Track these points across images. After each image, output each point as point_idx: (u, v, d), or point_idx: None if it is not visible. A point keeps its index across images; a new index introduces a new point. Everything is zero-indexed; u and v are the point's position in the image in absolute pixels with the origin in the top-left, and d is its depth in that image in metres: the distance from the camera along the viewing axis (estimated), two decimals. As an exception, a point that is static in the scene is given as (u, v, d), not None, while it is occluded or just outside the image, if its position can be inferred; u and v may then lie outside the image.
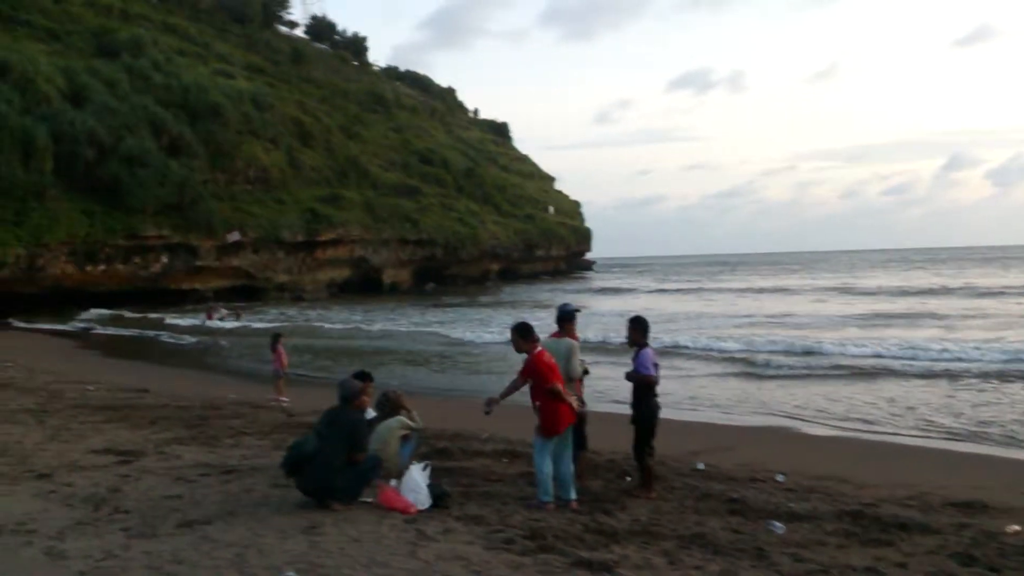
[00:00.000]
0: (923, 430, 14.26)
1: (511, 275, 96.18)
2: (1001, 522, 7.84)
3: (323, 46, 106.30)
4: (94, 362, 25.96)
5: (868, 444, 13.24)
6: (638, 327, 8.67)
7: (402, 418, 8.59)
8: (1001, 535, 7.35)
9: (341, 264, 69.65)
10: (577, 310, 9.32)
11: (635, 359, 8.61)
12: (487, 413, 7.81)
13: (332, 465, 6.96)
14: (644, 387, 8.56)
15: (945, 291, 52.79)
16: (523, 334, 7.89)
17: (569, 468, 7.87)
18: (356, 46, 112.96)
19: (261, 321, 41.51)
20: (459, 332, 32.81)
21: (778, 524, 7.37)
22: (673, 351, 23.99)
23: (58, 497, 7.77)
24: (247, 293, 60.59)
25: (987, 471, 10.83)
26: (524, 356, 7.95)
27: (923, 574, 6.03)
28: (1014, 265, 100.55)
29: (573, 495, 7.83)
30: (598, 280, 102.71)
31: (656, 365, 8.64)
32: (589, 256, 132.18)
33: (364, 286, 71.83)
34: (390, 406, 8.77)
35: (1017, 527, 7.64)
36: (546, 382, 7.73)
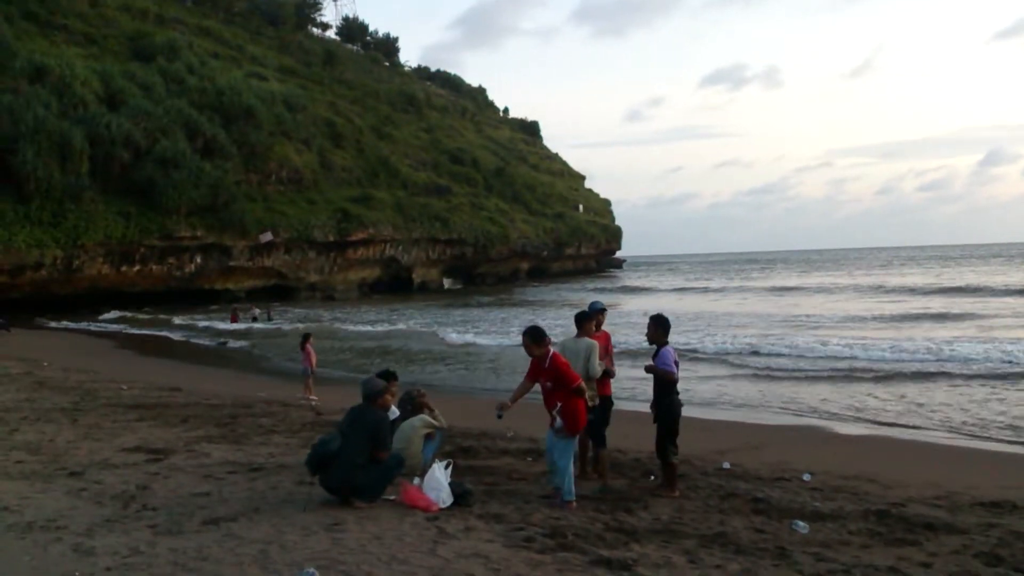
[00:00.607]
0: (952, 429, 14.10)
1: (541, 273, 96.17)
2: (1030, 522, 7.73)
3: (355, 47, 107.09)
4: (129, 361, 26.36)
5: (898, 443, 13.09)
6: (659, 326, 8.65)
7: (426, 417, 8.66)
8: (1029, 536, 7.25)
9: (372, 264, 70.06)
10: (603, 309, 9.31)
11: (655, 358, 8.61)
12: (499, 417, 7.86)
13: (355, 463, 7.02)
14: (665, 384, 8.55)
15: (972, 290, 51.64)
16: (535, 338, 7.90)
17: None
18: (387, 47, 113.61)
19: (290, 321, 41.95)
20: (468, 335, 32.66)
21: (802, 524, 7.33)
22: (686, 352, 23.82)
23: (88, 495, 7.90)
24: (279, 293, 61.18)
25: (1014, 470, 10.68)
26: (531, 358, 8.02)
27: (947, 574, 5.96)
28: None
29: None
30: (624, 278, 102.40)
31: (676, 363, 8.63)
32: (619, 254, 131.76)
33: (394, 285, 72.22)
34: (413, 405, 8.84)
35: (1046, 527, 7.53)
36: (572, 381, 7.78)
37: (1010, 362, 19.61)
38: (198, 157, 53.65)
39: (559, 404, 7.70)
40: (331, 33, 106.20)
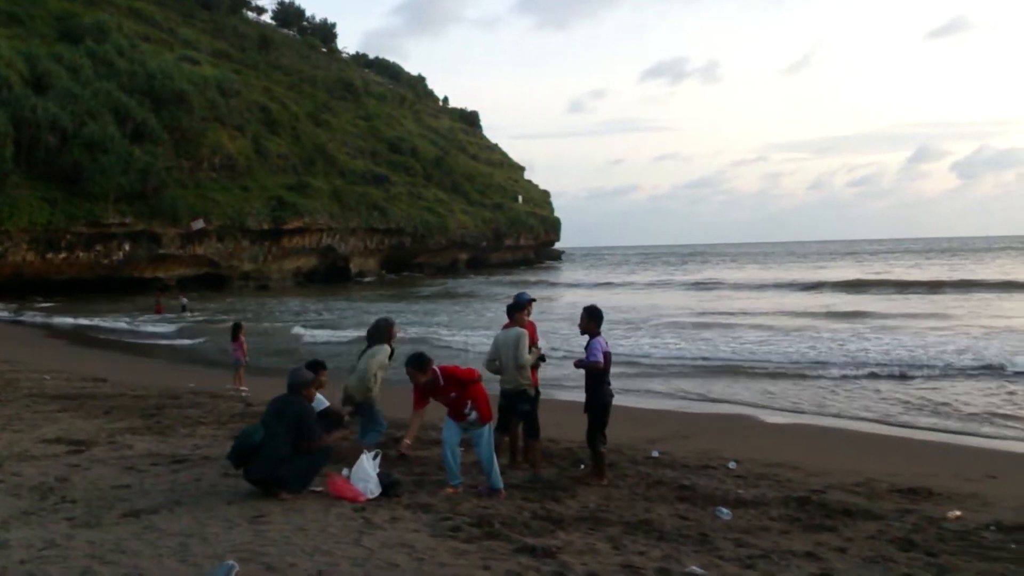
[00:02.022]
0: (878, 418, 14.54)
1: (479, 264, 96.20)
2: (944, 508, 8.01)
3: (291, 32, 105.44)
4: (58, 351, 25.62)
5: (823, 431, 13.44)
6: (592, 317, 8.77)
7: (386, 350, 9.02)
8: (942, 520, 7.51)
9: (308, 253, 69.20)
10: (532, 300, 9.37)
11: (587, 348, 8.72)
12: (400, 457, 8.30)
13: (279, 455, 6.93)
14: (596, 375, 8.63)
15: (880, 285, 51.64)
16: (419, 367, 7.80)
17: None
18: (325, 33, 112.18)
19: (217, 313, 41.14)
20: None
21: (725, 510, 7.48)
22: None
23: (5, 487, 7.68)
24: (211, 282, 60.04)
25: (935, 458, 11.05)
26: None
27: (861, 559, 6.14)
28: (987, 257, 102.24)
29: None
30: (563, 270, 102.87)
31: (607, 354, 8.72)
32: (559, 246, 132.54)
33: (331, 275, 71.46)
34: (380, 334, 9.09)
35: (958, 512, 7.80)
36: (472, 375, 7.97)
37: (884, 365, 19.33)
38: (127, 142, 52.22)
39: (469, 402, 7.75)
40: (266, 17, 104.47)
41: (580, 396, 9.17)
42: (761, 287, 55.13)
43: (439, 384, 7.79)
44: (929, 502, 8.34)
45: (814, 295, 46.63)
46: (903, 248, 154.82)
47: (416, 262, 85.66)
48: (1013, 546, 6.74)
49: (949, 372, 18.00)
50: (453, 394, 7.79)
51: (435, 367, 7.89)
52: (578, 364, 8.74)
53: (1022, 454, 11.71)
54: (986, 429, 13.39)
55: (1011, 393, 16.06)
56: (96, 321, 36.41)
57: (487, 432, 7.83)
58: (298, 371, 7.55)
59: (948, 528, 7.26)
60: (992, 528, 7.27)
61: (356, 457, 7.60)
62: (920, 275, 59.51)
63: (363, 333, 10.31)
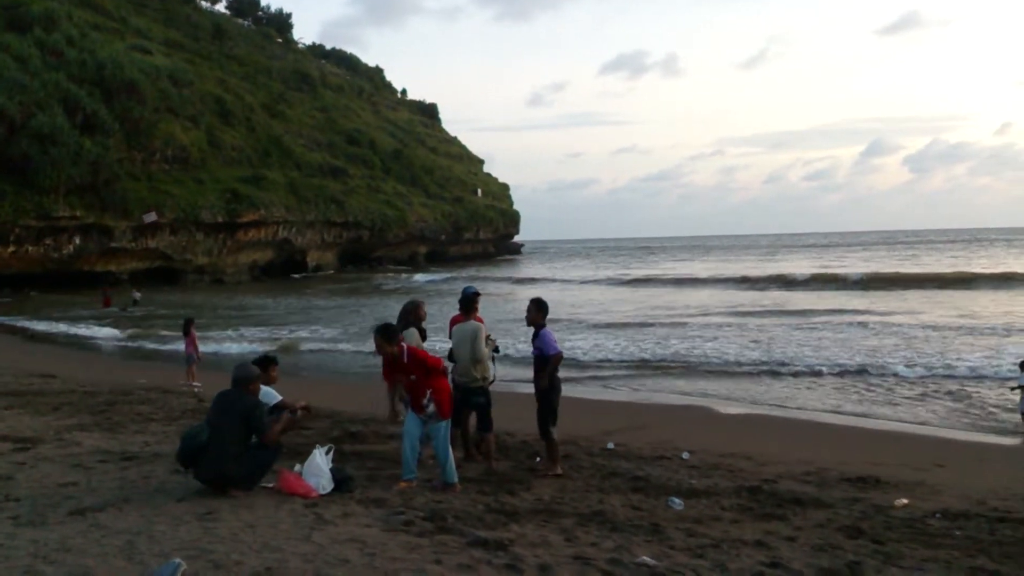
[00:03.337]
0: (831, 409, 14.79)
1: (439, 258, 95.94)
2: (891, 496, 8.16)
3: (246, 22, 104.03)
4: (4, 346, 25.08)
5: (776, 422, 13.64)
6: (539, 309, 8.89)
7: (413, 334, 8.89)
8: (889, 508, 7.65)
9: (263, 246, 68.44)
10: (477, 293, 9.36)
11: (536, 338, 8.78)
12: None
13: (227, 452, 6.82)
14: (544, 363, 8.71)
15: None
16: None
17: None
18: (280, 23, 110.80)
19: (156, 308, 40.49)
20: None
21: (677, 500, 7.54)
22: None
23: (-53, 487, 7.48)
24: (165, 275, 59.16)
25: (885, 447, 11.26)
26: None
27: (810, 547, 6.22)
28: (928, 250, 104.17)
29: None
30: (524, 264, 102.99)
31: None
32: (518, 239, 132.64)
33: (287, 268, 70.75)
34: (406, 318, 9.10)
35: (905, 500, 7.95)
36: (436, 364, 7.83)
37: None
38: (77, 133, 51.16)
39: (428, 392, 7.69)
40: (221, 7, 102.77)
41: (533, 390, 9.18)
42: (714, 281, 54.90)
43: (402, 361, 7.73)
44: (877, 490, 8.48)
45: (763, 292, 45.99)
46: (857, 241, 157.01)
47: (375, 256, 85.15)
48: (958, 533, 6.88)
49: (896, 370, 18.05)
50: (413, 376, 7.73)
51: (404, 343, 7.84)
52: (548, 380, 8.73)
53: (969, 443, 12.00)
54: (934, 419, 13.71)
55: (953, 390, 16.44)
56: (33, 324, 33.88)
57: (444, 428, 7.79)
58: (244, 366, 7.43)
59: (895, 516, 7.39)
60: (938, 516, 7.42)
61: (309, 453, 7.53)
62: (877, 268, 59.89)
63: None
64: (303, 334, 28.25)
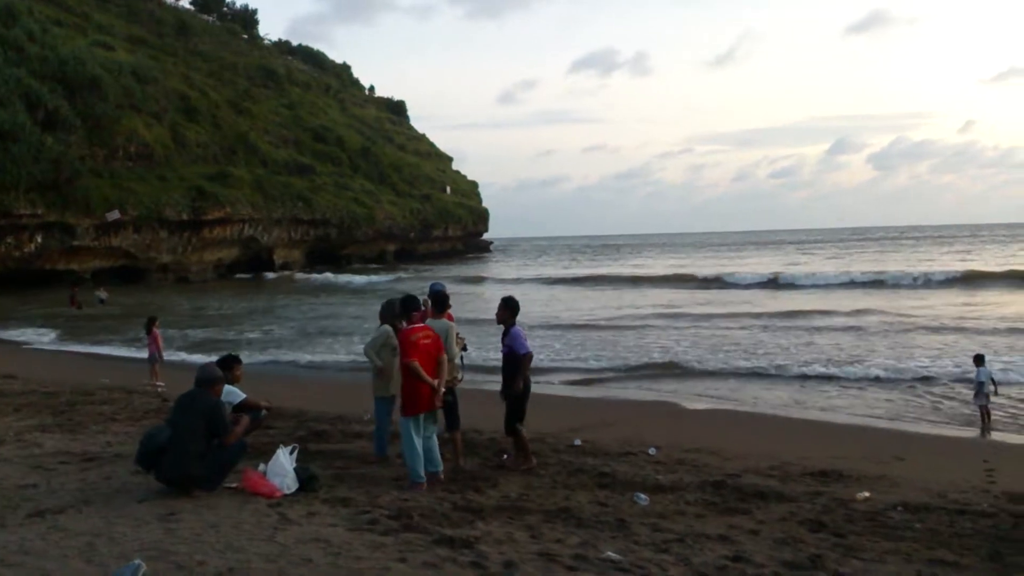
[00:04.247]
0: (794, 404, 14.95)
1: (408, 255, 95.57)
2: (853, 490, 8.27)
3: (210, 18, 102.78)
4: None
5: (741, 416, 13.76)
6: (507, 307, 8.95)
7: (384, 331, 8.90)
8: (851, 502, 7.75)
9: (229, 244, 67.65)
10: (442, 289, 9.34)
11: (506, 336, 8.79)
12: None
13: (189, 452, 6.75)
14: (514, 362, 8.73)
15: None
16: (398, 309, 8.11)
17: (434, 441, 7.92)
18: (245, 19, 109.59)
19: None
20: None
21: (643, 496, 7.58)
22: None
23: (-99, 490, 7.33)
24: (128, 275, 58.31)
25: (848, 442, 11.40)
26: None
27: (773, 540, 6.29)
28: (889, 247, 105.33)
29: (440, 467, 7.88)
30: (490, 261, 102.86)
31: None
32: (487, 236, 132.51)
33: (254, 266, 70.03)
34: (389, 312, 9.03)
35: (867, 494, 8.07)
36: (404, 355, 7.81)
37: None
38: (38, 130, 50.17)
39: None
40: (184, 2, 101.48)
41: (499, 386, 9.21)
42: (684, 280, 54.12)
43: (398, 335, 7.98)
44: (840, 484, 8.60)
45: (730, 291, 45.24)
46: (820, 238, 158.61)
47: (343, 254, 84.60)
48: (918, 525, 6.99)
49: (862, 370, 17.99)
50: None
51: (408, 323, 8.04)
52: (513, 356, 8.80)
53: (930, 436, 12.19)
54: (895, 413, 13.92)
55: (914, 385, 16.68)
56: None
57: (408, 424, 7.77)
58: (207, 367, 7.38)
59: (857, 509, 7.50)
60: (899, 508, 7.54)
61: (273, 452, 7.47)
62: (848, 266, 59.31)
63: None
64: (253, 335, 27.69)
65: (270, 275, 67.72)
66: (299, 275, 68.26)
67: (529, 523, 6.46)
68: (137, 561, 4.92)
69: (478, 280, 59.74)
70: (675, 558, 5.65)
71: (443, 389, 7.77)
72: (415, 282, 51.41)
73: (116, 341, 26.42)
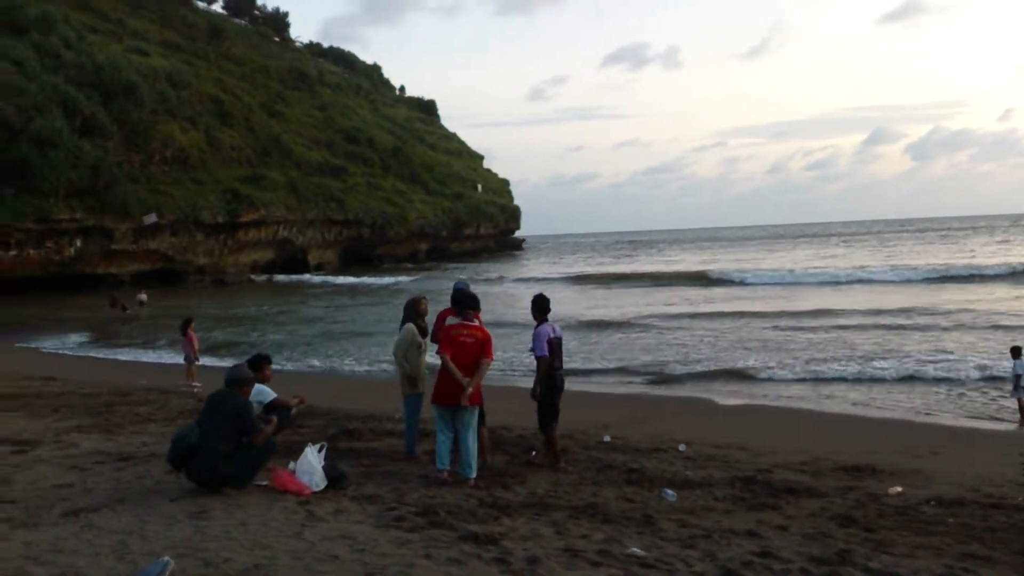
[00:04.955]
0: (828, 398, 14.79)
1: (440, 254, 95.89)
2: (886, 484, 8.17)
3: (242, 22, 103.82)
4: (4, 350, 25.09)
5: (774, 412, 13.65)
6: (535, 306, 8.99)
7: (409, 330, 8.93)
8: (883, 497, 7.66)
9: (264, 245, 68.47)
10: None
11: (533, 337, 8.84)
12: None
13: (219, 452, 6.83)
14: (538, 369, 8.76)
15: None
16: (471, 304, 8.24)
17: (468, 447, 7.88)
18: (277, 22, 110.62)
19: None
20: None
21: (671, 492, 7.55)
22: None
23: (-57, 491, 7.50)
24: (166, 277, 59.20)
25: (880, 436, 11.26)
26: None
27: (801, 536, 6.23)
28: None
29: (471, 474, 7.86)
30: (522, 259, 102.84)
31: (553, 339, 8.76)
32: (519, 234, 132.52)
33: (288, 267, 70.70)
34: (411, 311, 9.10)
35: (900, 489, 7.97)
36: (439, 346, 8.00)
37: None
38: (76, 136, 51.16)
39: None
40: (217, 6, 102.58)
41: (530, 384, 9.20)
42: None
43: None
44: (872, 479, 8.50)
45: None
46: (860, 231, 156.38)
47: (376, 254, 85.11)
48: (950, 520, 6.89)
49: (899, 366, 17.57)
50: None
51: (455, 318, 8.22)
52: (535, 392, 8.84)
53: (965, 429, 12.01)
54: (930, 407, 13.70)
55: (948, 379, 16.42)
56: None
57: (434, 412, 7.98)
58: (237, 368, 7.47)
59: (889, 504, 7.41)
60: (932, 503, 7.43)
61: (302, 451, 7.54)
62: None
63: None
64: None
65: (314, 278, 66.21)
66: (327, 278, 67.43)
67: (555, 519, 6.45)
68: (166, 558, 4.99)
69: (500, 280, 57.89)
70: (701, 553, 5.62)
71: (470, 391, 7.73)
72: (424, 283, 50.56)
73: (155, 343, 26.81)
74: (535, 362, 8.91)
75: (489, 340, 7.98)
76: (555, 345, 8.82)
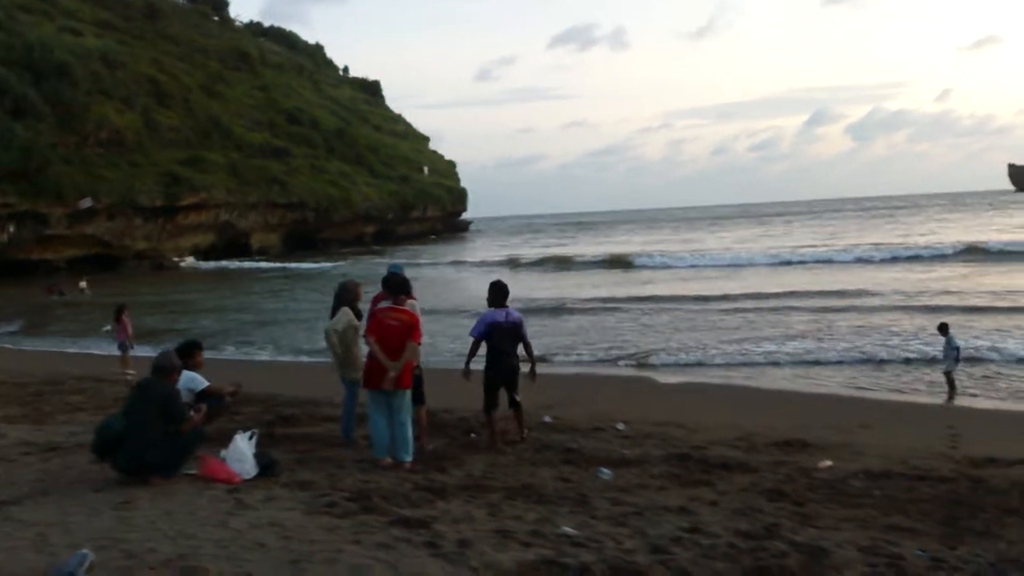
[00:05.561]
0: (761, 374, 15.01)
1: (386, 237, 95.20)
2: (816, 458, 8.33)
3: (180, 1, 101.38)
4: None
5: (713, 389, 13.80)
6: (490, 292, 9.15)
7: (345, 314, 8.75)
8: (813, 471, 7.80)
9: (205, 229, 67.27)
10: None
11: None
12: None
13: (145, 440, 6.69)
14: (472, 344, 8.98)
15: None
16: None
17: (403, 430, 7.83)
18: (216, 1, 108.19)
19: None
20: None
21: (606, 471, 7.59)
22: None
23: None
24: (104, 263, 57.82)
25: (814, 411, 11.46)
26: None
27: (731, 511, 6.32)
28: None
29: (406, 457, 7.82)
30: (470, 241, 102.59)
31: (504, 324, 8.82)
32: (466, 216, 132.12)
33: (231, 251, 69.53)
34: (346, 295, 8.92)
35: (829, 462, 8.13)
36: (366, 329, 8.07)
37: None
38: (8, 118, 49.68)
39: None
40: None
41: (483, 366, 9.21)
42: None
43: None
44: (803, 453, 8.65)
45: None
46: (803, 210, 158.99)
47: (321, 237, 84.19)
48: (877, 492, 7.04)
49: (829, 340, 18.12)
50: None
51: (387, 301, 8.12)
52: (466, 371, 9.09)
53: (895, 403, 12.29)
54: (861, 381, 13.98)
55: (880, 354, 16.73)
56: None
57: (367, 397, 8.06)
58: (164, 354, 7.31)
59: (818, 478, 7.55)
60: (860, 476, 7.59)
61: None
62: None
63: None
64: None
65: (252, 263, 64.54)
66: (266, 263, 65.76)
67: (490, 501, 6.45)
68: (85, 551, 4.86)
69: (434, 264, 56.38)
70: (631, 531, 5.67)
71: (394, 374, 7.68)
72: (361, 268, 49.88)
73: (89, 331, 26.15)
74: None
75: (416, 323, 7.92)
76: (505, 330, 8.83)
